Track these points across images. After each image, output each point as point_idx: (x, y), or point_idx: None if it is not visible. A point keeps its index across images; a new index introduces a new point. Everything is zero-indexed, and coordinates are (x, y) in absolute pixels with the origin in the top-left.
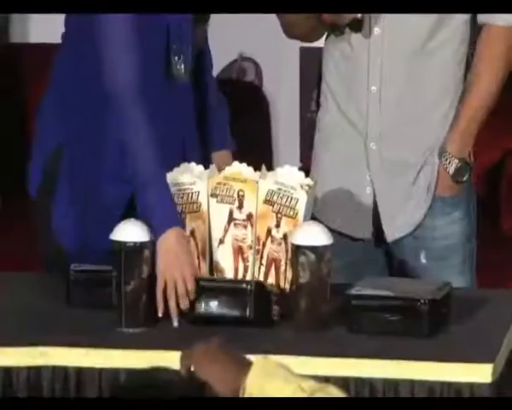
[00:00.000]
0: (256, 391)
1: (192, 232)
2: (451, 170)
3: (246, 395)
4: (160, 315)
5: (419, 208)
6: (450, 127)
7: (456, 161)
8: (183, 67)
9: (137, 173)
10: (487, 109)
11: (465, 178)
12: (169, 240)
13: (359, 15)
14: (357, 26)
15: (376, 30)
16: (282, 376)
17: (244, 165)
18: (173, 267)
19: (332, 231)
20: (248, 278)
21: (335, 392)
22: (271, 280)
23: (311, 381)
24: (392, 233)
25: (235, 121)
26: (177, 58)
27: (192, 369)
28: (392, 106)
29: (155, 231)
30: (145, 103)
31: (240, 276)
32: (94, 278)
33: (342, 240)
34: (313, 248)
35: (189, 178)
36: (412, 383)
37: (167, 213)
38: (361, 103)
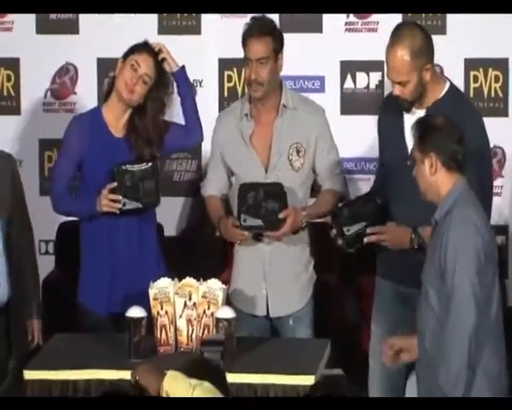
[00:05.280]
0: (168, 388)
1: (166, 312)
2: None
3: (163, 391)
4: None
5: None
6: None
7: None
8: None
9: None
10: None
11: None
12: None
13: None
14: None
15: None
16: (181, 379)
17: (192, 278)
18: None
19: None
20: (194, 336)
21: (209, 386)
22: (205, 336)
23: (195, 380)
24: (274, 313)
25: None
26: None
27: (137, 377)
28: (280, 249)
29: None
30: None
31: (189, 335)
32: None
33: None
34: (226, 319)
35: (164, 284)
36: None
37: None
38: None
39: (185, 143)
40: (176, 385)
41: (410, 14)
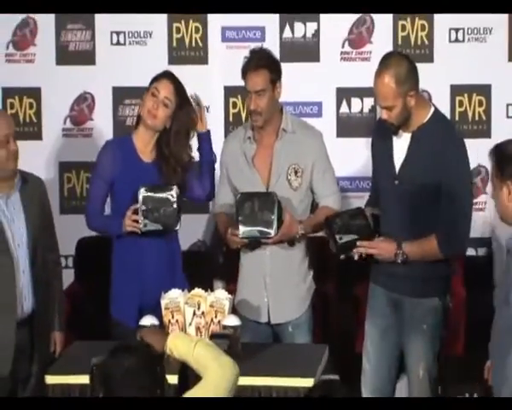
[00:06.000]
0: (171, 345)
1: (177, 320)
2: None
3: (167, 349)
4: None
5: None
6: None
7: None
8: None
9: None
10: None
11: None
12: None
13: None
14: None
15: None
16: (184, 336)
17: (200, 289)
18: None
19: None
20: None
21: (209, 341)
22: None
23: (197, 337)
24: (275, 320)
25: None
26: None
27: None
28: (280, 261)
29: None
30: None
31: None
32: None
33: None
34: (232, 326)
35: (175, 294)
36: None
37: None
38: (260, 262)
39: (195, 194)
40: (178, 342)
41: (399, 44)
